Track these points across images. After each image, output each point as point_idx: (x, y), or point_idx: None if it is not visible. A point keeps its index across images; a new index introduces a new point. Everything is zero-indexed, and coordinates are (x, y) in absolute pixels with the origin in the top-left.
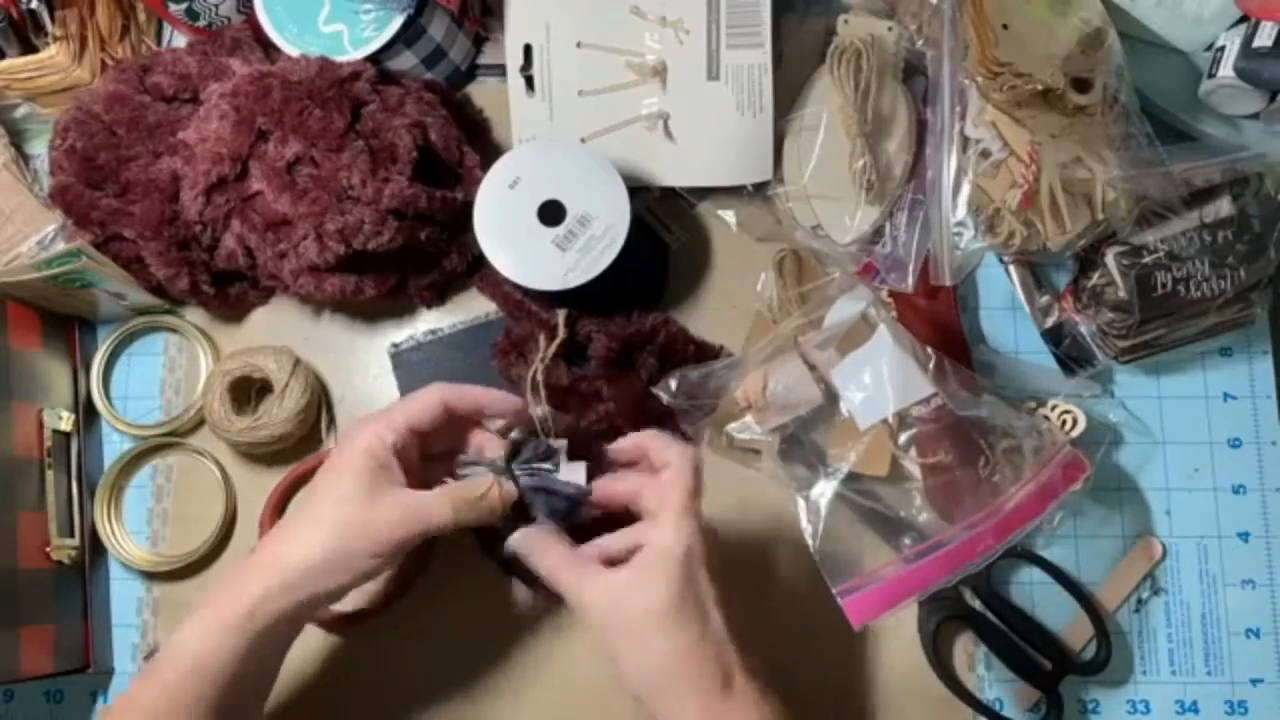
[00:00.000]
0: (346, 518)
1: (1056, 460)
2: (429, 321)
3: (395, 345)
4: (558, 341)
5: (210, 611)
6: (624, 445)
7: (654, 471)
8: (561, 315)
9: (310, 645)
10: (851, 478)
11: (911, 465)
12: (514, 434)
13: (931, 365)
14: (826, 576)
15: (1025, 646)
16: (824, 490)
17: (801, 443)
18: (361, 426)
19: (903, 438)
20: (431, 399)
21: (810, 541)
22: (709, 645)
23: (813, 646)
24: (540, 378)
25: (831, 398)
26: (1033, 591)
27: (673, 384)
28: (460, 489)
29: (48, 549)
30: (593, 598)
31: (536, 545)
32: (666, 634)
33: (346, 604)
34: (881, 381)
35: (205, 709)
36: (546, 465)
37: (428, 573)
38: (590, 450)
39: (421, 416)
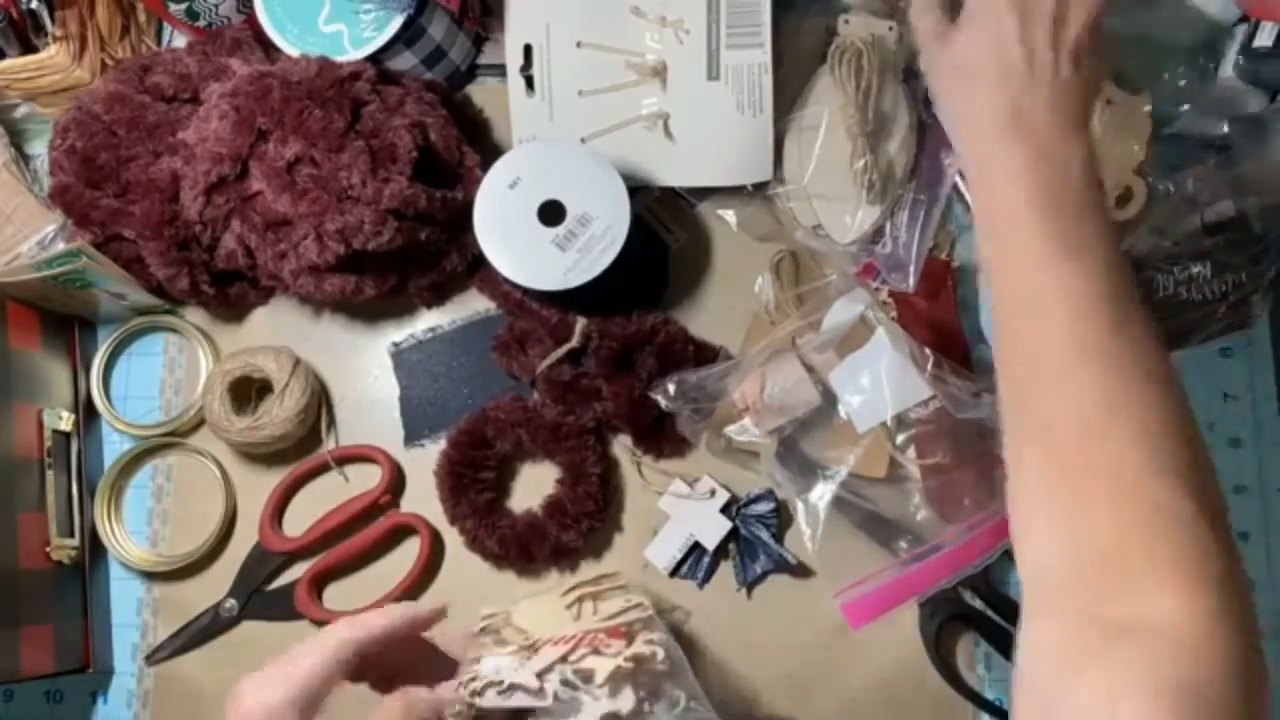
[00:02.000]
0: None
1: None
2: (428, 321)
3: (395, 344)
4: (566, 348)
5: None
6: None
7: None
8: (580, 325)
9: None
10: (850, 479)
11: (910, 466)
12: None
13: (930, 366)
14: (828, 580)
15: None
16: (823, 493)
17: (799, 445)
18: (252, 693)
19: (900, 438)
20: (327, 659)
21: (809, 544)
22: (1042, 106)
23: (815, 647)
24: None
25: (829, 399)
26: None
27: (671, 387)
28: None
29: (48, 549)
30: (939, 52)
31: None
32: (991, 87)
33: (340, 603)
34: (880, 384)
35: None
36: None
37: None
38: None
39: (314, 681)
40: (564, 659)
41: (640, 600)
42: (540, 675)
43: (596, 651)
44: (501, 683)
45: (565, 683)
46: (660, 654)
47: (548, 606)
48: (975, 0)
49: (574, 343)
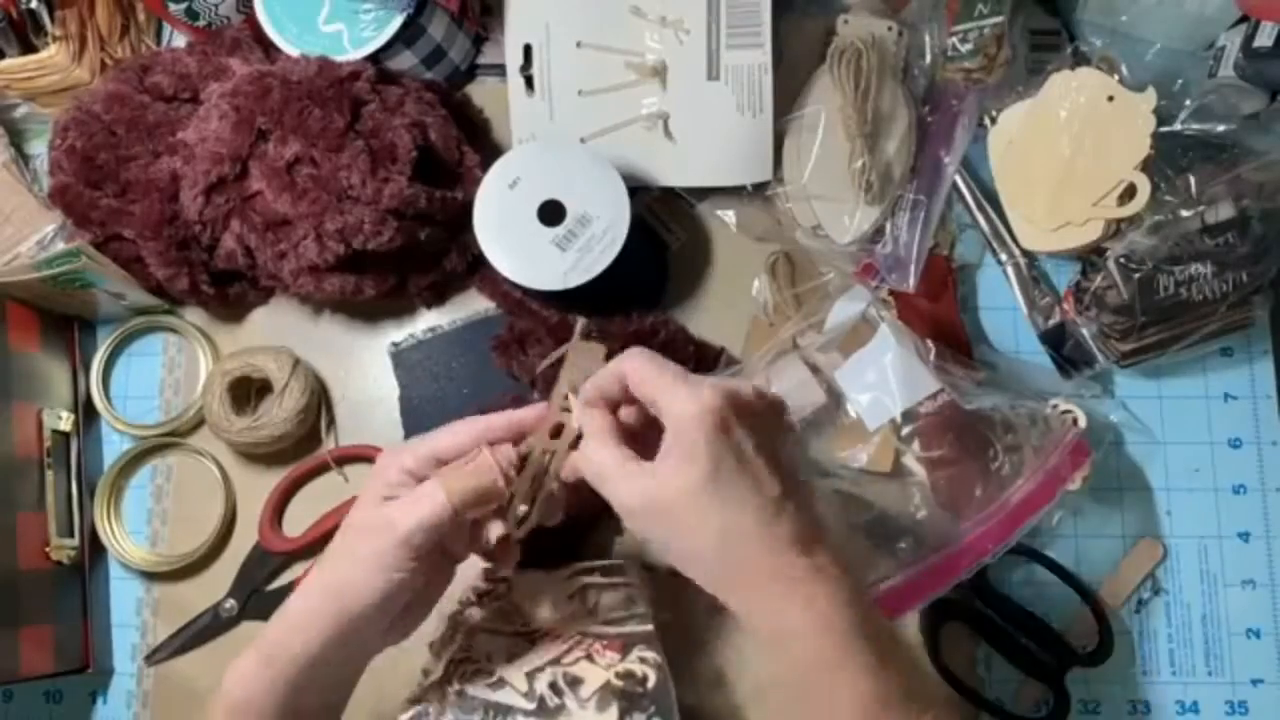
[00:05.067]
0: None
1: (1063, 445)
2: (428, 321)
3: (395, 344)
4: (565, 348)
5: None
6: (602, 381)
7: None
8: (580, 324)
9: None
10: (857, 477)
11: (914, 462)
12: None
13: (933, 357)
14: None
15: (1028, 643)
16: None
17: (808, 444)
18: (388, 459)
19: (905, 431)
20: (461, 438)
21: None
22: (765, 513)
23: None
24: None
25: (835, 399)
26: (1032, 591)
27: None
28: (451, 467)
29: (48, 549)
30: (629, 495)
31: (590, 448)
32: (712, 512)
33: None
34: (887, 380)
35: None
36: None
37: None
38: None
39: (448, 453)
40: (557, 660)
41: (641, 610)
42: (530, 675)
43: (590, 658)
44: (492, 673)
45: (553, 686)
46: (651, 678)
47: (550, 587)
48: (676, 430)
49: (575, 341)
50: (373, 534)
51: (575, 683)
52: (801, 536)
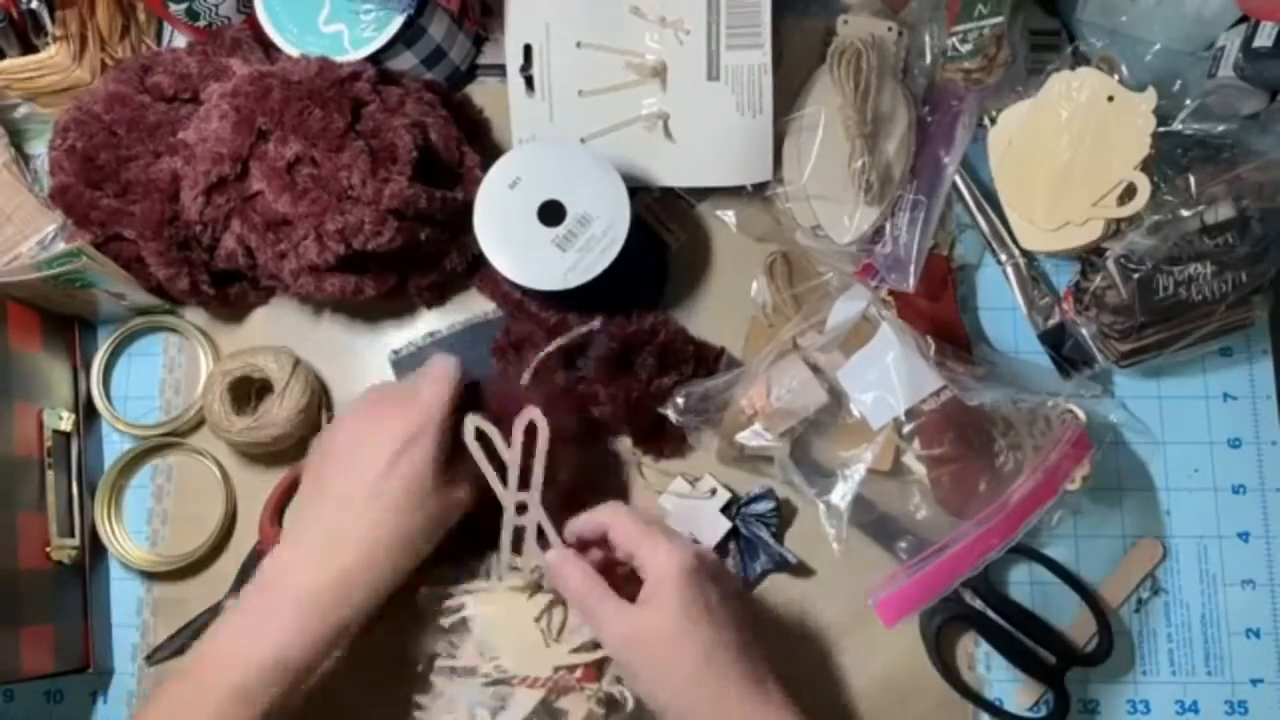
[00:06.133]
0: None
1: (1064, 441)
2: (429, 322)
3: (395, 352)
4: (557, 343)
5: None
6: (582, 526)
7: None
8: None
9: None
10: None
11: (915, 461)
12: None
13: (933, 354)
14: (827, 579)
15: (1028, 642)
16: (844, 493)
17: (812, 447)
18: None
19: (906, 429)
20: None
21: (835, 545)
22: (730, 647)
23: (815, 646)
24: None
25: (838, 398)
26: (1032, 590)
27: (680, 401)
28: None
29: (48, 549)
30: (616, 629)
31: (568, 568)
32: (687, 645)
33: None
34: (889, 379)
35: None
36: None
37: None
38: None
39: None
40: (542, 702)
41: None
42: None
43: (569, 689)
44: None
45: None
46: (630, 700)
47: (514, 616)
48: (657, 581)
49: (568, 338)
50: None
51: (559, 716)
52: (756, 672)
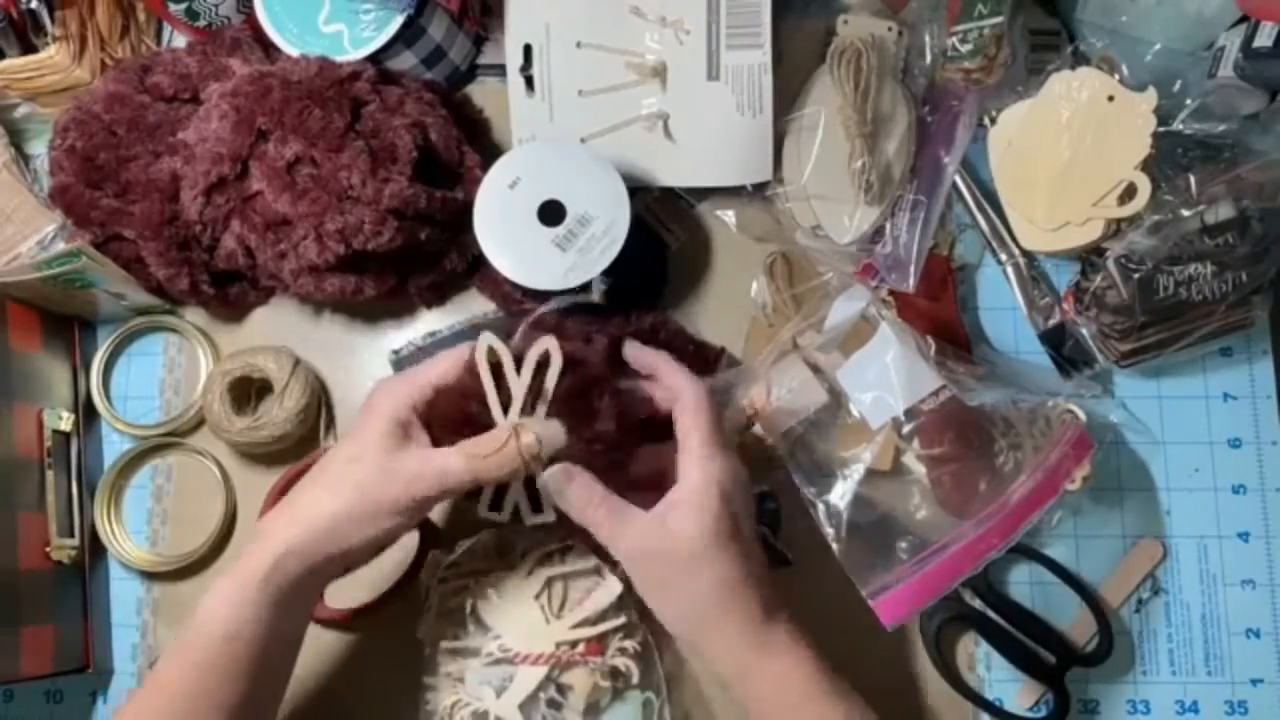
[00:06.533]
0: (367, 478)
1: (1064, 440)
2: (429, 322)
3: (395, 352)
4: (538, 312)
5: (233, 581)
6: (638, 356)
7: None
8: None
9: (307, 642)
10: (864, 476)
11: (915, 460)
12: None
13: (933, 354)
14: (854, 579)
15: (1028, 642)
16: (843, 492)
17: (812, 446)
18: (385, 389)
19: (906, 429)
20: (457, 360)
21: (834, 545)
22: (750, 575)
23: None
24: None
25: (838, 398)
26: (1032, 590)
27: None
28: (474, 443)
29: (48, 549)
30: (629, 539)
31: (573, 482)
32: (709, 565)
33: (345, 599)
34: (889, 379)
35: (238, 679)
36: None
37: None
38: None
39: (447, 377)
40: (546, 678)
41: (611, 585)
42: (523, 707)
43: (572, 665)
44: (486, 715)
45: (550, 703)
46: (635, 671)
47: (514, 595)
48: (692, 488)
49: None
50: (394, 483)
51: (564, 690)
52: (768, 597)
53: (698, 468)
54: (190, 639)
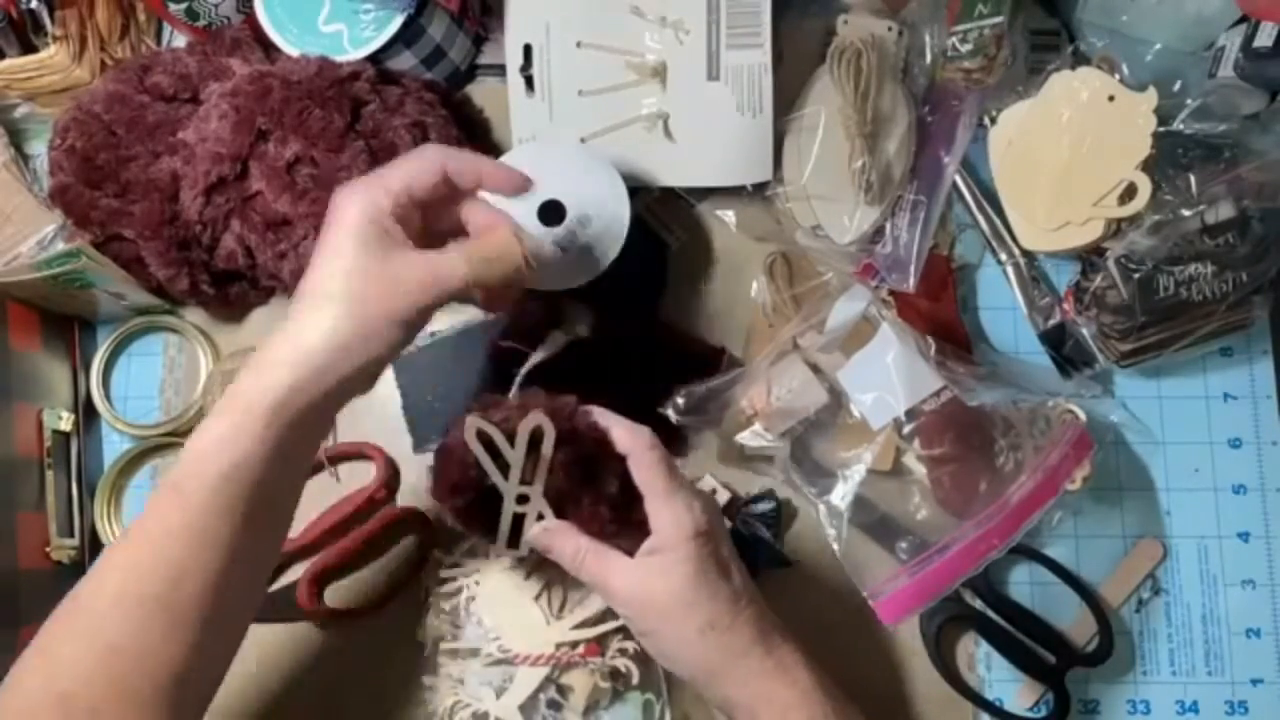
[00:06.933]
0: (360, 289)
1: (1065, 440)
2: (429, 324)
3: None
4: (538, 358)
5: (229, 417)
6: (582, 418)
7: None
8: (553, 336)
9: (304, 643)
10: (865, 477)
11: (915, 460)
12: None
13: (933, 354)
14: (854, 579)
15: (1028, 642)
16: (844, 493)
17: (812, 447)
18: (350, 193)
19: (906, 429)
20: (430, 160)
21: (835, 546)
22: (742, 610)
23: (814, 646)
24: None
25: (838, 398)
26: (1032, 590)
27: (680, 401)
28: (477, 244)
29: (48, 549)
30: (620, 586)
31: (558, 538)
32: (698, 608)
33: (346, 600)
34: (889, 379)
35: (235, 522)
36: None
37: (421, 571)
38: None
39: (420, 179)
40: (546, 678)
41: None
42: (524, 708)
43: (572, 666)
44: (485, 715)
45: (550, 704)
46: (635, 672)
47: (514, 595)
48: (669, 538)
49: (545, 353)
50: (397, 295)
51: (564, 691)
52: (762, 625)
53: (666, 510)
54: (177, 481)
